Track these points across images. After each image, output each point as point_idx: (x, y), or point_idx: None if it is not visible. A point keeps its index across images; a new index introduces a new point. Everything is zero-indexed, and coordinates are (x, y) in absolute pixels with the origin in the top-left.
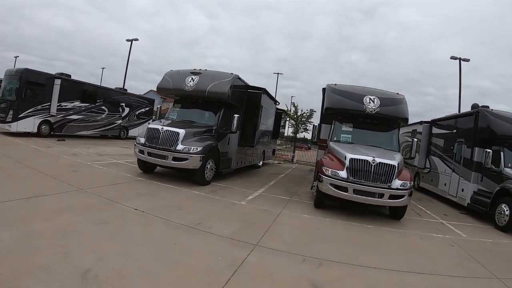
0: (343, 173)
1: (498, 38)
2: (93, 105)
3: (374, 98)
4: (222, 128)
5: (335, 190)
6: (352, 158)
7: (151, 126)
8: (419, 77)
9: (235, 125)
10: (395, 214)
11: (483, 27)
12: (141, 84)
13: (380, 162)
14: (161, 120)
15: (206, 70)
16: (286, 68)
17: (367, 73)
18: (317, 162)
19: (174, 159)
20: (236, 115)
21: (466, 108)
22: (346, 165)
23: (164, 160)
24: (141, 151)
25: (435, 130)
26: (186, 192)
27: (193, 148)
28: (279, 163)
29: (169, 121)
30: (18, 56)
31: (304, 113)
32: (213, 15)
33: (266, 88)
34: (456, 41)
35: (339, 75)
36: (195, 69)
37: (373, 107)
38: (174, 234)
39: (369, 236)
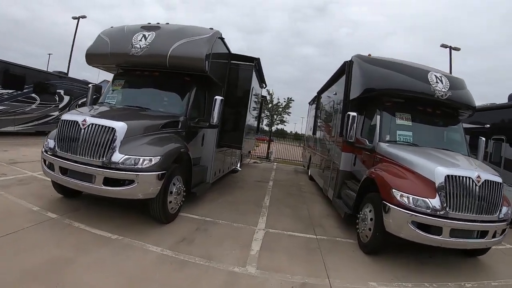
0: (434, 202)
1: (442, 39)
2: (19, 92)
3: (441, 77)
4: (194, 120)
5: (420, 232)
6: (450, 176)
7: (65, 117)
8: None
9: (216, 114)
10: (478, 250)
11: (432, 28)
12: (95, 74)
13: (486, 180)
14: (92, 107)
15: (167, 24)
16: None
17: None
18: (337, 171)
19: (107, 181)
20: (218, 98)
21: None
22: (437, 187)
23: (88, 184)
24: (50, 165)
25: None
26: (134, 254)
27: (144, 159)
28: (255, 162)
29: (103, 109)
30: None
31: (280, 102)
32: (171, 7)
33: None
34: (404, 38)
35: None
36: (149, 23)
37: (443, 90)
38: None
39: None
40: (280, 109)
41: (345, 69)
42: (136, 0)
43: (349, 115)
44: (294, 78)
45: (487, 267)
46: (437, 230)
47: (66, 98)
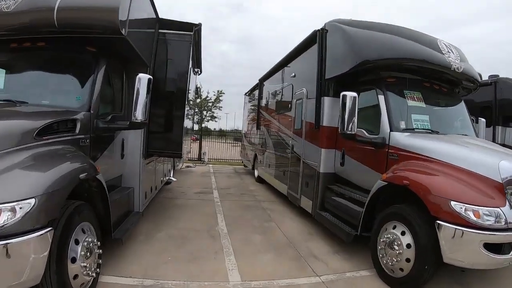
0: (506, 210)
1: None
2: None
3: (450, 46)
4: (105, 117)
5: (495, 255)
6: None
7: None
8: None
9: (140, 106)
10: None
11: None
12: None
13: None
14: None
15: None
16: None
17: (240, 61)
18: (317, 174)
19: None
20: (143, 77)
21: None
22: (505, 188)
23: None
24: None
25: None
26: None
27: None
28: (188, 166)
29: None
30: None
31: (209, 97)
32: None
33: None
34: None
35: (213, 65)
36: None
37: (457, 61)
38: None
39: None
40: (210, 104)
41: (318, 41)
42: None
43: (345, 96)
44: (213, 75)
45: None
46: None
47: None
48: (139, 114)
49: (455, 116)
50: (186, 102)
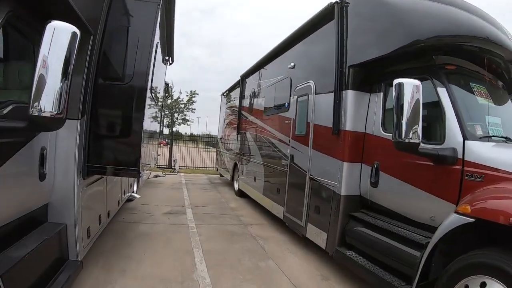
0: None
1: None
2: None
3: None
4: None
5: None
6: None
7: None
8: None
9: (53, 84)
10: None
11: None
12: None
13: None
14: None
15: None
16: None
17: (210, 66)
18: (336, 198)
19: None
20: (61, 28)
21: None
22: None
23: None
24: None
25: None
26: None
27: None
28: (157, 176)
29: None
30: None
31: (180, 98)
32: None
33: None
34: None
35: (185, 69)
36: None
37: None
38: None
39: None
40: (182, 106)
41: (336, 17)
42: None
43: (401, 85)
44: (184, 80)
45: None
46: None
47: None
48: (47, 102)
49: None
50: (149, 94)
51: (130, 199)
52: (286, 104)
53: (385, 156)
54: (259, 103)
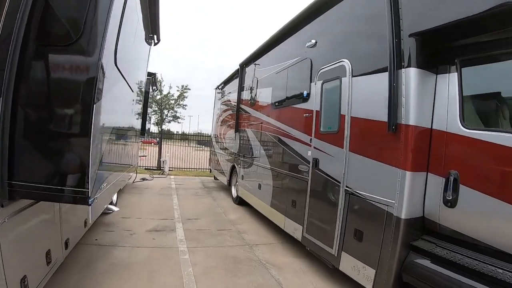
0: None
1: None
2: None
3: None
4: None
5: None
6: None
7: None
8: None
9: None
10: None
11: None
12: None
13: None
14: None
15: None
16: None
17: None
18: (395, 222)
19: None
20: None
21: None
22: None
23: None
24: None
25: None
26: None
27: None
28: (144, 179)
29: None
30: None
31: (171, 93)
32: None
33: None
34: None
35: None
36: None
37: None
38: None
39: None
40: (172, 102)
41: None
42: None
43: None
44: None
45: None
46: None
47: None
48: None
49: None
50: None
51: (105, 213)
52: (305, 92)
53: (469, 163)
54: (265, 94)
